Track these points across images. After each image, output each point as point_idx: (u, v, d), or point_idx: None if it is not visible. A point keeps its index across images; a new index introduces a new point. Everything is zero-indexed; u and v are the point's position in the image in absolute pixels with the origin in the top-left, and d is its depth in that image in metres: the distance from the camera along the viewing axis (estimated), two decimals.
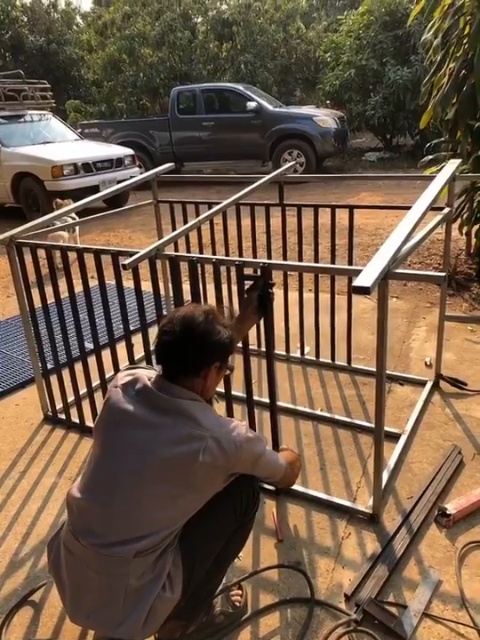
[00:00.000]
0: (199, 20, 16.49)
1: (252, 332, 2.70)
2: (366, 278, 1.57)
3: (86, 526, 1.38)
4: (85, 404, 2.68)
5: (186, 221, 3.16)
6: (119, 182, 7.89)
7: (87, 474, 1.43)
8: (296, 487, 2.18)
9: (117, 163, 8.52)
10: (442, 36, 4.02)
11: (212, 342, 1.42)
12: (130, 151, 9.03)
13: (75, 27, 20.10)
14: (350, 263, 2.98)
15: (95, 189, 6.95)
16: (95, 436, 1.47)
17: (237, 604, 1.70)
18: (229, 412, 2.20)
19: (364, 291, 1.54)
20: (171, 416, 1.36)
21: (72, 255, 2.45)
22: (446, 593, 1.72)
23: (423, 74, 8.69)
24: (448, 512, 1.96)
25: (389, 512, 2.06)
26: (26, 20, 18.47)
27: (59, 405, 2.80)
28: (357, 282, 1.56)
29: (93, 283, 2.40)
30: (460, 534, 1.93)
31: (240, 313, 1.97)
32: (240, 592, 1.74)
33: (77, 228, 5.60)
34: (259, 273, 1.97)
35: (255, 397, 2.29)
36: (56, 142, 8.67)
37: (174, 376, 1.42)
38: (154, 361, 1.51)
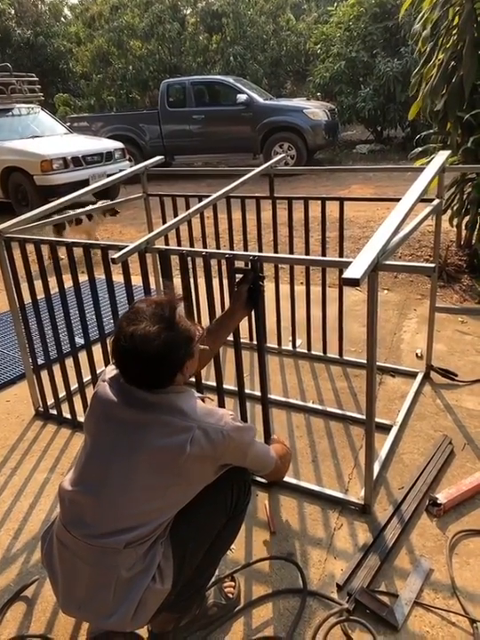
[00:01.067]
0: (188, 11, 16.35)
1: (244, 325, 2.70)
2: (356, 270, 1.57)
3: (77, 517, 1.38)
4: (77, 400, 2.67)
5: (176, 215, 3.14)
6: (109, 176, 7.87)
7: (78, 467, 1.43)
8: (288, 479, 2.19)
9: (107, 156, 8.43)
10: (431, 27, 4.01)
11: (176, 358, 1.35)
12: (119, 145, 8.95)
13: (62, 19, 19.87)
14: (341, 255, 2.98)
15: (85, 184, 6.88)
16: (85, 429, 1.47)
17: (230, 596, 1.71)
18: (221, 405, 2.20)
19: (353, 282, 1.54)
20: (157, 409, 1.36)
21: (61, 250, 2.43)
22: (437, 581, 1.74)
23: (413, 65, 8.67)
24: (439, 502, 1.97)
25: (381, 503, 2.07)
26: (13, 12, 18.24)
27: (50, 401, 2.79)
28: (347, 274, 1.56)
29: (83, 277, 2.38)
30: (451, 523, 1.95)
31: (230, 306, 1.97)
32: (233, 584, 1.75)
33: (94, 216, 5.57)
34: (249, 266, 1.97)
35: (247, 390, 2.29)
36: (45, 136, 8.54)
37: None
38: None
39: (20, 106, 8.77)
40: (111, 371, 1.47)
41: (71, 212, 3.65)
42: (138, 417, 1.36)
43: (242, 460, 1.49)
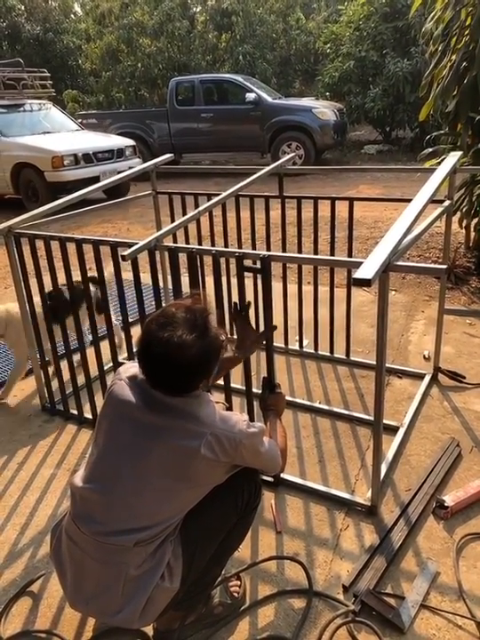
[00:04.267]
0: (198, 9, 16.36)
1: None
2: (367, 270, 1.56)
3: (88, 514, 1.38)
4: (83, 396, 2.67)
5: (185, 213, 3.14)
6: (120, 173, 7.82)
7: (90, 464, 1.43)
8: (294, 479, 2.19)
9: (118, 153, 8.39)
10: (443, 27, 3.99)
11: (208, 368, 1.36)
12: (130, 142, 8.89)
13: (72, 15, 19.90)
14: (350, 256, 2.97)
15: (96, 180, 6.80)
16: (98, 426, 1.47)
17: (236, 595, 1.71)
18: (228, 404, 2.19)
19: (365, 283, 1.53)
20: (172, 412, 1.36)
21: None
22: (444, 584, 1.73)
23: (423, 66, 8.64)
24: (446, 504, 1.96)
25: (387, 504, 2.06)
26: (23, 8, 18.26)
27: (57, 397, 2.79)
28: (358, 274, 1.55)
29: (92, 274, 2.38)
30: (458, 526, 1.94)
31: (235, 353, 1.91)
32: (238, 583, 1.75)
33: None
34: (258, 265, 1.96)
35: (254, 390, 2.28)
36: (56, 132, 8.54)
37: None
38: None
39: (32, 101, 8.74)
40: (128, 370, 1.47)
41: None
42: (154, 420, 1.36)
43: (252, 463, 1.49)
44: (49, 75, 9.42)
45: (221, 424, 1.38)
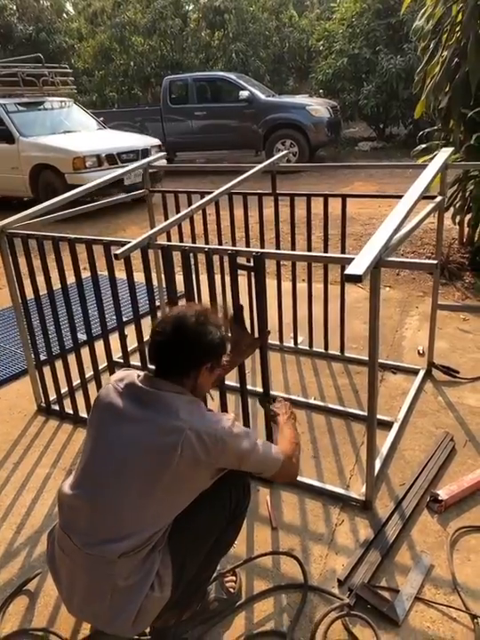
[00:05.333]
0: (190, 7, 16.34)
1: (246, 322, 2.70)
2: (358, 266, 1.57)
3: (74, 523, 1.37)
4: (79, 395, 2.68)
5: (179, 211, 3.14)
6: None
7: (78, 470, 1.42)
8: None
9: (143, 153, 7.76)
10: (434, 23, 4.00)
11: (204, 343, 1.41)
12: (156, 141, 8.35)
13: (65, 15, 19.82)
14: (343, 252, 2.98)
15: (119, 183, 6.05)
16: (87, 432, 1.47)
17: (231, 591, 1.72)
18: (223, 402, 2.20)
19: (356, 279, 1.54)
20: (152, 408, 1.35)
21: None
22: (438, 577, 1.74)
23: (416, 62, 8.64)
24: (440, 498, 1.98)
25: (382, 499, 2.08)
26: (14, 8, 18.18)
27: (52, 397, 2.80)
28: (349, 270, 1.56)
29: (86, 274, 2.39)
30: (452, 520, 1.95)
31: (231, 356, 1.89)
32: (234, 578, 1.76)
33: None
34: (252, 262, 1.97)
35: (248, 387, 2.29)
36: (78, 131, 8.05)
37: (164, 375, 1.41)
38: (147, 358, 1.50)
39: (52, 99, 8.29)
40: (115, 375, 1.48)
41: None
42: (134, 416, 1.35)
43: (238, 465, 1.42)
44: (70, 71, 8.88)
45: (202, 420, 1.35)
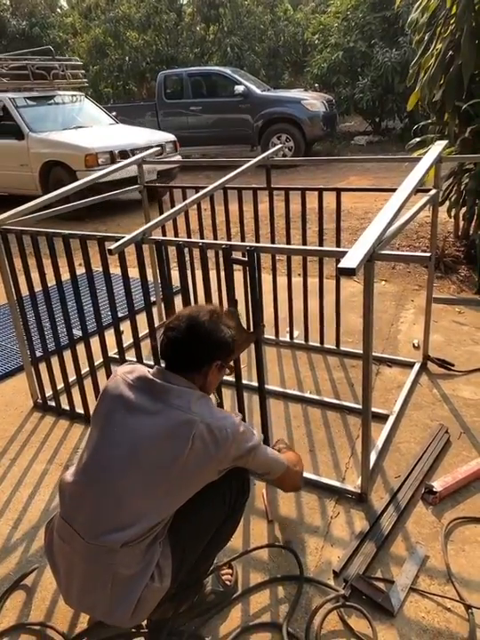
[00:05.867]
0: (185, 1, 16.26)
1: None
2: (352, 259, 1.57)
3: (76, 512, 1.38)
4: (75, 391, 2.68)
5: (174, 207, 3.14)
6: (160, 173, 7.22)
7: (83, 458, 1.43)
8: None
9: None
10: (429, 15, 3.99)
11: (215, 340, 1.45)
12: (171, 137, 7.93)
13: (58, 9, 19.70)
14: (338, 246, 2.98)
15: (133, 181, 5.80)
16: (92, 423, 1.48)
17: (228, 583, 1.73)
18: (219, 395, 2.21)
19: (349, 272, 1.54)
20: (163, 401, 1.37)
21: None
22: (433, 568, 1.75)
23: (412, 56, 8.61)
24: (434, 490, 1.99)
25: (377, 491, 2.09)
26: (8, 3, 18.06)
27: (48, 393, 2.80)
28: (343, 263, 1.56)
29: (81, 270, 2.38)
30: (447, 511, 1.97)
31: None
32: (230, 571, 1.77)
33: None
34: (246, 256, 1.97)
35: (244, 381, 2.30)
36: (90, 127, 7.69)
37: (175, 371, 1.44)
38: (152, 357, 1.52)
39: (63, 93, 7.96)
40: (123, 367, 1.50)
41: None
42: (144, 408, 1.38)
43: (245, 461, 1.47)
44: (81, 63, 8.56)
45: (212, 414, 1.39)
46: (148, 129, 8.72)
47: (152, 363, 2.11)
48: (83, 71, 8.50)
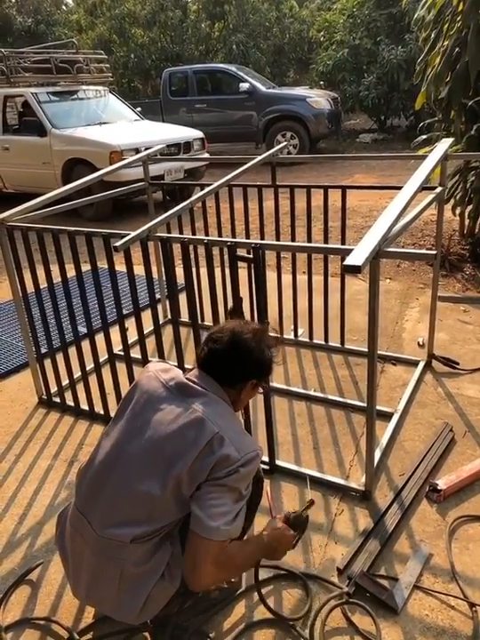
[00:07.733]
0: None
1: (247, 314, 2.71)
2: (357, 257, 1.57)
3: (91, 503, 1.40)
4: (80, 388, 2.69)
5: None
6: (187, 172, 6.99)
7: (102, 450, 1.45)
8: (290, 465, 2.21)
9: (185, 147, 7.17)
10: (435, 12, 3.98)
11: (255, 359, 1.46)
12: (199, 134, 7.62)
13: (63, 7, 19.73)
14: (343, 244, 2.98)
15: (159, 180, 5.36)
16: (117, 415, 1.49)
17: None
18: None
19: (355, 269, 1.54)
20: (192, 404, 1.38)
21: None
22: (437, 566, 1.75)
23: (417, 53, 8.58)
24: (439, 488, 1.99)
25: (382, 489, 2.09)
26: (13, 0, 18.09)
27: (53, 389, 2.81)
28: (348, 260, 1.56)
29: (86, 267, 2.39)
30: (451, 509, 1.96)
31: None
32: None
33: None
34: (251, 254, 1.97)
35: None
36: (114, 123, 7.42)
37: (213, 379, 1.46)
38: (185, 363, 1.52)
39: (87, 88, 7.65)
40: (156, 364, 1.53)
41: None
42: (172, 407, 1.39)
43: (221, 492, 1.32)
44: (106, 57, 8.32)
45: (235, 433, 1.38)
46: (175, 125, 8.44)
47: (157, 359, 2.11)
48: (107, 65, 8.27)
